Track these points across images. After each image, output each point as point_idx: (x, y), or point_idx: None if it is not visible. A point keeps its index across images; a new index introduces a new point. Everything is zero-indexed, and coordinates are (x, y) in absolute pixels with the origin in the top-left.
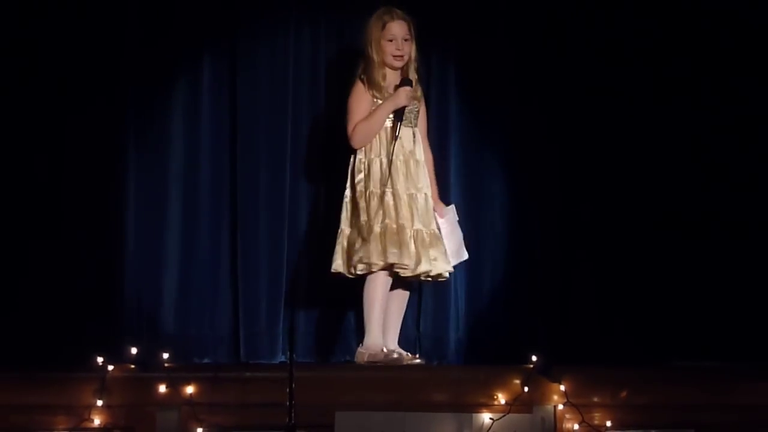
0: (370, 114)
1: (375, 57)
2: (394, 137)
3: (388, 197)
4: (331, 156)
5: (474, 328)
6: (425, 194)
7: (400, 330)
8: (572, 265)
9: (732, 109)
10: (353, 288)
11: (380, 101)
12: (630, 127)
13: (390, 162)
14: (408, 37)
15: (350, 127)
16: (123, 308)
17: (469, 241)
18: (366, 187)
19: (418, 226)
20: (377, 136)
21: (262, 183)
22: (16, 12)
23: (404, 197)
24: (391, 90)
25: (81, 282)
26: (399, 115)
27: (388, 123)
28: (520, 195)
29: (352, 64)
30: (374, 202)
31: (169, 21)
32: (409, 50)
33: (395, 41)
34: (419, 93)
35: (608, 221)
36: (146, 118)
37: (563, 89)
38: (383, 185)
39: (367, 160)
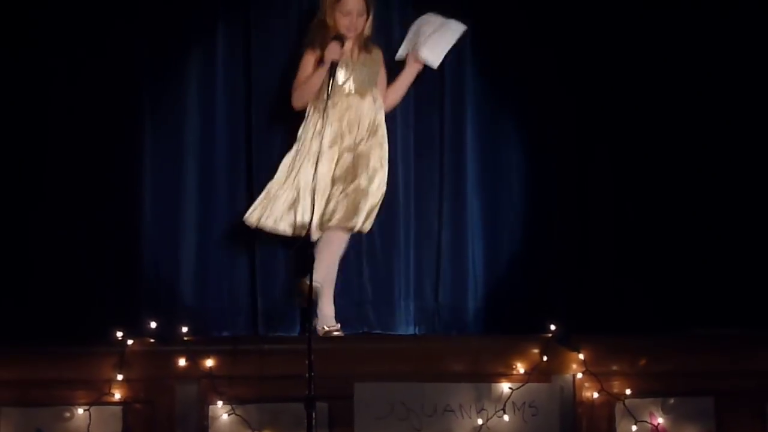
0: (308, 79)
1: (329, 26)
2: (326, 93)
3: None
4: None
5: (492, 297)
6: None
7: (420, 301)
8: (591, 233)
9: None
10: (372, 258)
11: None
12: (651, 92)
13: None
14: (363, 11)
15: (292, 89)
16: (141, 282)
17: (487, 210)
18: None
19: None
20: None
21: (278, 152)
22: None
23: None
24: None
25: (99, 256)
26: (331, 71)
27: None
28: (538, 163)
29: None
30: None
31: None
32: (363, 25)
33: (350, 16)
34: (372, 55)
35: (626, 190)
36: (162, 88)
37: (582, 57)
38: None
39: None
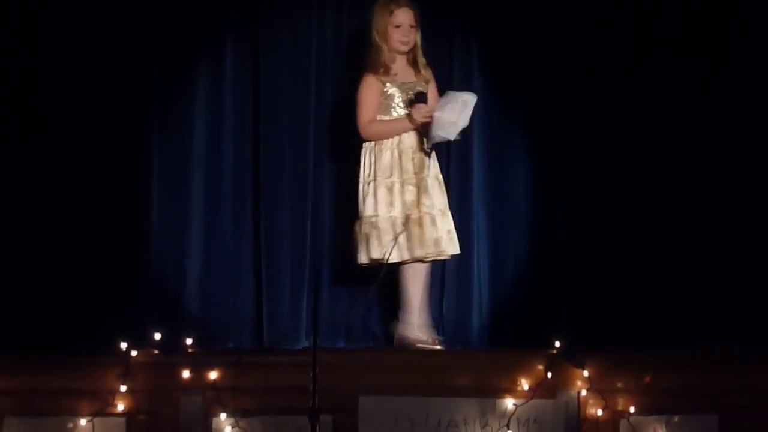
0: (391, 122)
1: (383, 43)
2: (428, 154)
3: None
4: (354, 140)
5: (497, 312)
6: (435, 177)
7: None
8: (596, 248)
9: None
10: (376, 272)
11: (392, 87)
12: (656, 106)
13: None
14: (414, 24)
15: (363, 119)
16: (147, 293)
17: (493, 224)
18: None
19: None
20: None
21: (285, 166)
22: None
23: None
24: (399, 75)
25: (105, 267)
26: (425, 132)
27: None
28: (544, 177)
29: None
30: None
31: (191, 5)
32: (415, 37)
33: (402, 27)
34: (428, 74)
35: (633, 204)
36: (170, 102)
37: (589, 70)
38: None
39: (378, 149)
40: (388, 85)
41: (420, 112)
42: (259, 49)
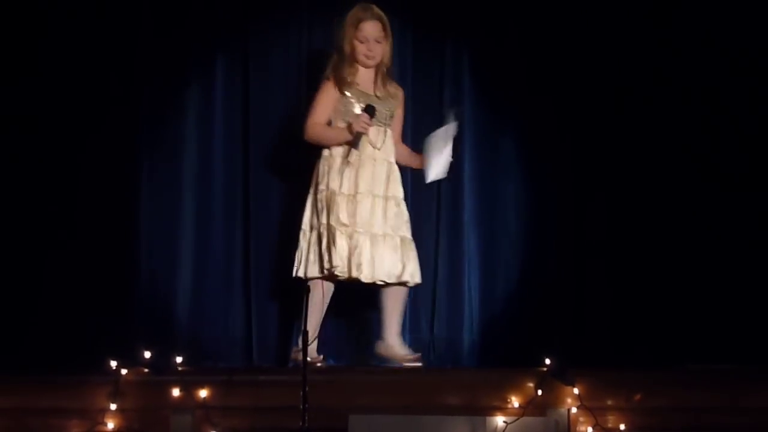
0: (332, 129)
1: (348, 53)
2: (347, 156)
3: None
4: None
5: (488, 330)
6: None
7: (416, 333)
8: (586, 267)
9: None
10: (366, 291)
11: (351, 97)
12: (648, 129)
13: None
14: (381, 38)
15: (310, 119)
16: (137, 312)
17: (484, 243)
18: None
19: (377, 230)
20: None
21: (275, 186)
22: (29, 16)
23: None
24: (362, 85)
25: (95, 286)
26: (355, 142)
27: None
28: (535, 196)
29: None
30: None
31: (181, 24)
32: (382, 52)
33: (367, 43)
34: (393, 90)
35: (623, 224)
36: (160, 121)
37: (579, 89)
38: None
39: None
40: (347, 93)
41: (359, 122)
42: (248, 68)
